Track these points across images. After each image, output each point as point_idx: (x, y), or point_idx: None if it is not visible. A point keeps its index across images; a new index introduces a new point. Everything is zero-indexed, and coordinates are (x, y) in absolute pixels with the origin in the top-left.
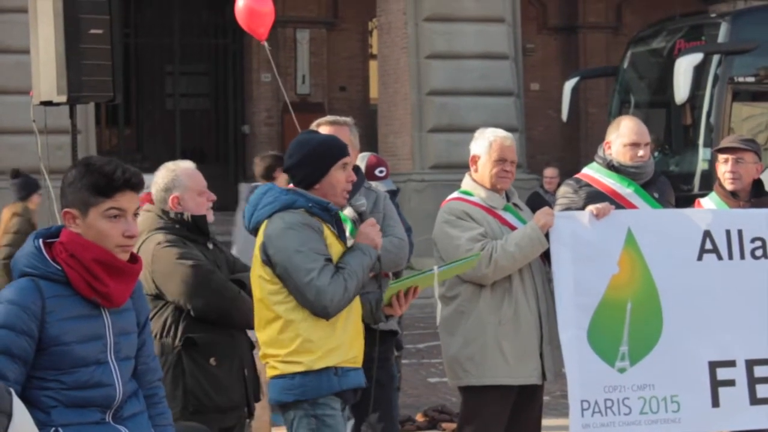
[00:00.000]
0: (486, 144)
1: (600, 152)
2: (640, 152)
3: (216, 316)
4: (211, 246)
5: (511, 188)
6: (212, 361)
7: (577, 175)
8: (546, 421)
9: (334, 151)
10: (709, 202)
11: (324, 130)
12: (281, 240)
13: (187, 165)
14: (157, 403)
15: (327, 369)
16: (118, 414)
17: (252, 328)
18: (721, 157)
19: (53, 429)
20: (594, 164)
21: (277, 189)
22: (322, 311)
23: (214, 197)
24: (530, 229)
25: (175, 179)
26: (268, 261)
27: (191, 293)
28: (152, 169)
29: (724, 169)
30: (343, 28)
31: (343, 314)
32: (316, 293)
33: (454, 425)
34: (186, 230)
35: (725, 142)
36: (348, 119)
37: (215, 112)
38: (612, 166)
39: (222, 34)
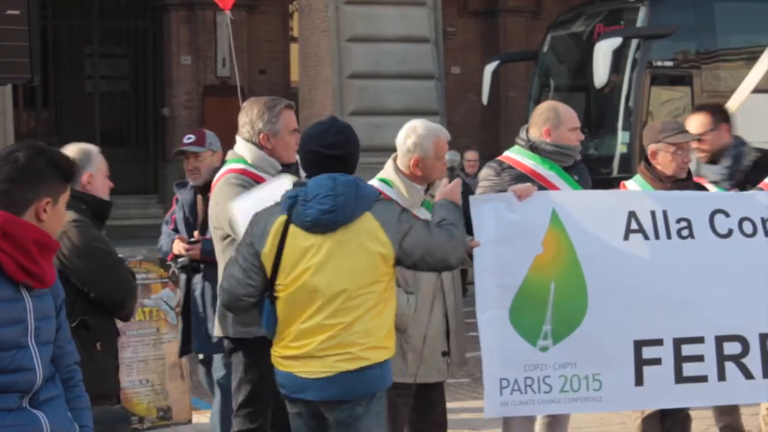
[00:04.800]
0: (431, 145)
1: (522, 134)
2: (580, 135)
3: (112, 303)
4: (104, 232)
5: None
6: (99, 346)
7: (499, 158)
8: (457, 403)
9: None
10: (635, 185)
11: (287, 112)
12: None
13: (95, 147)
14: (74, 386)
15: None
16: (35, 398)
17: (128, 320)
18: (671, 147)
19: None
20: (516, 147)
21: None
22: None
23: (112, 184)
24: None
25: (89, 158)
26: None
27: (99, 277)
28: None
29: (672, 158)
30: (264, 11)
31: None
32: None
33: None
34: (90, 212)
35: (681, 134)
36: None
37: (135, 95)
38: (534, 150)
39: (141, 16)
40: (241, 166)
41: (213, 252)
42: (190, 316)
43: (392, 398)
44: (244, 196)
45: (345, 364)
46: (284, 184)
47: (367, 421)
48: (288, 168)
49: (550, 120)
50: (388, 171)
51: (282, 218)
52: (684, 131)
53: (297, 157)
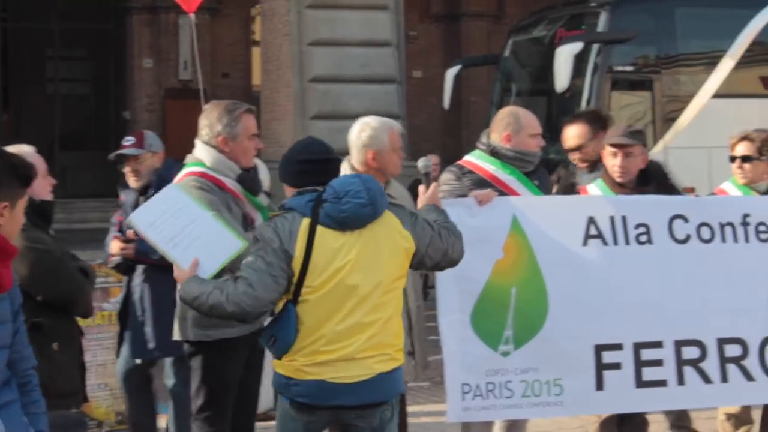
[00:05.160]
0: (386, 137)
1: (483, 139)
2: (541, 142)
3: (62, 302)
4: (52, 233)
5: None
6: (55, 346)
7: (459, 162)
8: (417, 407)
9: None
10: (596, 189)
11: (246, 116)
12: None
13: (30, 148)
14: (30, 391)
15: None
16: None
17: (90, 316)
18: (610, 149)
19: None
20: (476, 151)
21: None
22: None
23: (54, 181)
24: None
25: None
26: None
27: (41, 278)
28: None
29: (613, 162)
30: (226, 15)
31: None
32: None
33: None
34: (32, 213)
35: (614, 136)
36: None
37: (96, 98)
38: (495, 154)
39: (103, 19)
40: (200, 169)
41: (149, 253)
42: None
43: None
44: (141, 211)
45: (382, 365)
46: (174, 192)
47: (392, 427)
48: (247, 172)
49: (511, 125)
50: (344, 171)
51: (306, 221)
52: (620, 134)
53: (257, 162)
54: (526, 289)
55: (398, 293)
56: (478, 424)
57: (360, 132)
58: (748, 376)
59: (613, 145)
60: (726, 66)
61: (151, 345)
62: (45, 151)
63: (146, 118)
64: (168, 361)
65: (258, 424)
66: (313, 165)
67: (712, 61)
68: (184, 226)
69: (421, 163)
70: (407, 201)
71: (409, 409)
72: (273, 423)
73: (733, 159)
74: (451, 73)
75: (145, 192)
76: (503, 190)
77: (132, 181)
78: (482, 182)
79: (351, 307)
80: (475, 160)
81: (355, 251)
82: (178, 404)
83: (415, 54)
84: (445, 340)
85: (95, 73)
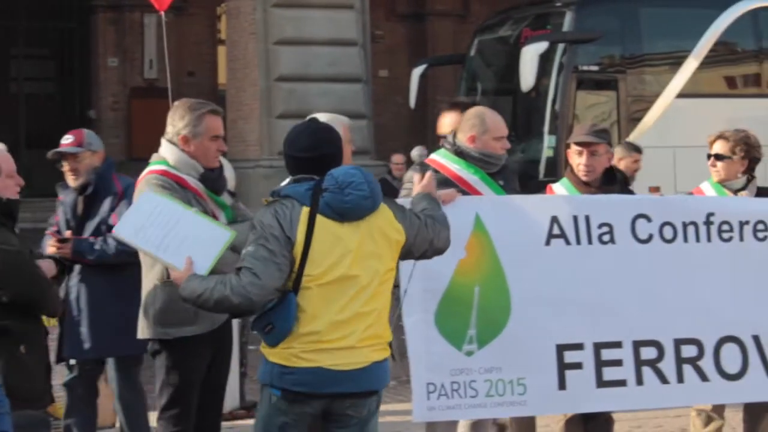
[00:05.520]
0: (339, 130)
1: (450, 139)
2: (506, 144)
3: (28, 303)
4: (17, 231)
5: None
6: (22, 348)
7: (424, 161)
8: (390, 406)
9: None
10: (561, 188)
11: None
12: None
13: (3, 146)
14: None
15: None
16: None
17: (57, 315)
18: (576, 148)
19: None
20: (442, 150)
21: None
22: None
23: (22, 182)
24: None
25: None
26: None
27: (8, 279)
28: None
29: (578, 161)
30: (192, 13)
31: None
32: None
33: None
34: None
35: (580, 135)
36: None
37: (61, 97)
38: (460, 154)
39: (68, 17)
40: (162, 167)
41: (87, 253)
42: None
43: None
44: (123, 223)
45: (376, 354)
46: (151, 197)
47: (375, 419)
48: (211, 172)
49: (476, 127)
50: None
51: (306, 209)
52: (585, 133)
53: (222, 161)
54: (489, 288)
55: (390, 285)
56: (442, 424)
57: None
58: (703, 377)
59: (578, 144)
60: (690, 66)
61: (87, 345)
62: (10, 150)
63: (111, 117)
64: (110, 364)
65: (223, 424)
66: (302, 161)
67: (676, 61)
68: (169, 229)
69: (415, 152)
70: None
71: (389, 407)
72: (239, 423)
73: (709, 157)
74: (416, 72)
75: (84, 191)
76: (467, 191)
77: (71, 180)
78: (446, 182)
79: (351, 297)
80: (441, 159)
81: (355, 242)
82: (127, 410)
83: (380, 53)
84: (410, 340)
85: (60, 72)
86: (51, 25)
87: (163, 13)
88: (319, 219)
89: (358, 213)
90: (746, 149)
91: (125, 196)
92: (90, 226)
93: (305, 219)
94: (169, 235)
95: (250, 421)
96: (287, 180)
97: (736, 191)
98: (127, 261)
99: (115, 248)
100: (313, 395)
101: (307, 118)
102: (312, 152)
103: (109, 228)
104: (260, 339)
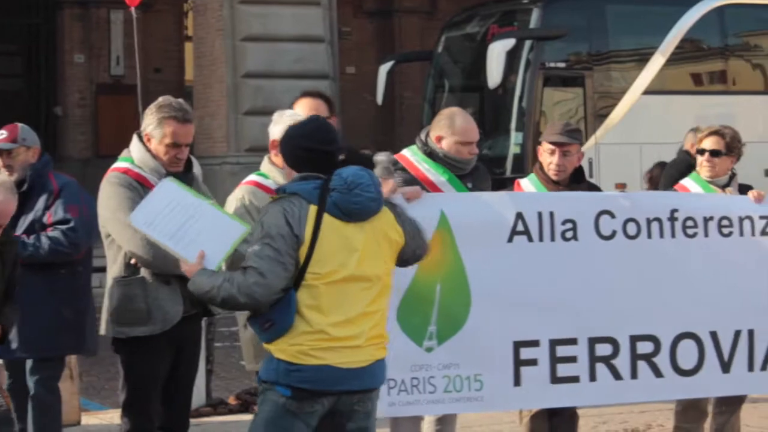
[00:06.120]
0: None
1: (422, 136)
2: (474, 150)
3: None
4: None
5: None
6: None
7: (394, 156)
8: None
9: None
10: (529, 184)
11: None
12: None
13: None
14: None
15: None
16: None
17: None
18: (548, 147)
19: None
20: (414, 146)
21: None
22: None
23: None
24: None
25: None
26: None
27: None
28: None
29: (549, 159)
30: (159, 9)
31: None
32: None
33: None
34: None
35: (553, 134)
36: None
37: (27, 93)
38: (431, 154)
39: (35, 13)
40: (125, 165)
41: (19, 252)
42: None
43: None
44: (139, 211)
45: (379, 351)
46: (169, 186)
47: (375, 412)
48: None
49: (444, 129)
50: (264, 165)
51: (314, 208)
52: (558, 132)
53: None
54: (450, 285)
55: (390, 285)
56: (406, 420)
57: (273, 125)
58: (657, 373)
59: (551, 143)
60: (657, 63)
61: (14, 345)
62: None
63: (78, 113)
64: (28, 363)
65: (191, 421)
66: (318, 154)
67: (643, 58)
68: (184, 221)
69: (381, 156)
70: None
71: None
72: (204, 420)
73: (702, 152)
74: (384, 69)
75: (20, 187)
76: (432, 192)
77: (5, 176)
78: (412, 182)
79: (358, 297)
80: (410, 156)
81: (361, 242)
82: (37, 408)
83: (348, 50)
84: None
85: (26, 68)
86: (18, 21)
87: (133, 9)
88: (326, 218)
89: (364, 214)
90: (738, 146)
91: (60, 194)
92: (24, 223)
93: (313, 217)
94: (183, 227)
95: (218, 418)
96: (294, 176)
97: (722, 187)
98: (63, 260)
99: (48, 247)
100: (321, 393)
101: (277, 113)
102: (330, 146)
103: (43, 226)
104: (227, 336)
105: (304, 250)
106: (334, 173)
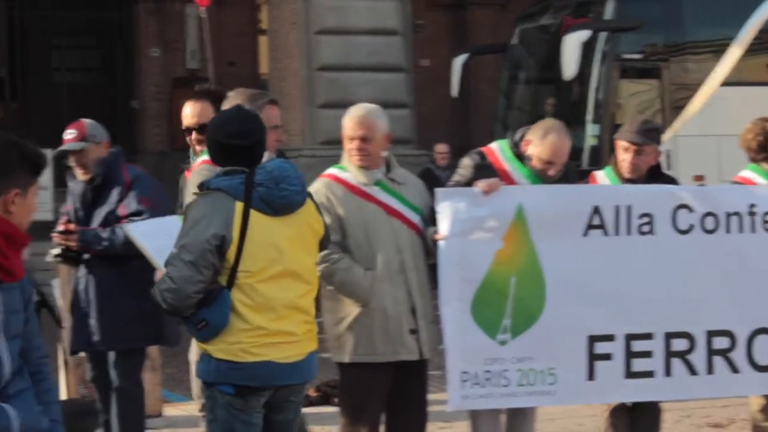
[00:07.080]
0: (343, 122)
1: (516, 136)
2: (551, 171)
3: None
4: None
5: (393, 161)
6: None
7: (482, 149)
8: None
9: None
10: (604, 177)
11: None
12: None
13: None
14: (42, 380)
15: None
16: (4, 392)
17: None
18: (622, 144)
19: None
20: (506, 142)
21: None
22: None
23: None
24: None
25: None
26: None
27: None
28: (39, 144)
29: (623, 156)
30: (232, 3)
31: None
32: None
33: None
34: None
35: (628, 132)
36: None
37: (104, 87)
38: (519, 155)
39: (111, 7)
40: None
41: (93, 243)
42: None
43: (367, 381)
44: (137, 225)
45: (311, 344)
46: (171, 220)
47: (301, 407)
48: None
49: (535, 137)
50: (343, 158)
51: (240, 204)
52: (634, 131)
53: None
54: (525, 278)
55: (317, 275)
56: (485, 412)
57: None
58: (734, 369)
59: (626, 141)
60: (734, 54)
61: (96, 338)
62: (54, 141)
63: (154, 107)
64: (111, 356)
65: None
66: (235, 149)
67: (719, 49)
68: (171, 241)
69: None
70: (420, 187)
71: (431, 397)
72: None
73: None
74: (458, 61)
75: (93, 181)
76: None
77: (80, 174)
78: (493, 174)
79: (291, 291)
80: (499, 150)
81: (290, 236)
82: (121, 400)
83: (422, 43)
84: (447, 329)
85: (103, 62)
86: (94, 15)
87: (203, 8)
88: (253, 214)
89: (291, 208)
90: None
91: (133, 186)
92: (98, 216)
93: (240, 214)
94: (170, 246)
95: None
96: (218, 171)
97: None
98: (136, 252)
99: (123, 238)
100: (264, 388)
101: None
102: (247, 139)
103: (118, 218)
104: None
105: (233, 249)
106: (258, 167)
